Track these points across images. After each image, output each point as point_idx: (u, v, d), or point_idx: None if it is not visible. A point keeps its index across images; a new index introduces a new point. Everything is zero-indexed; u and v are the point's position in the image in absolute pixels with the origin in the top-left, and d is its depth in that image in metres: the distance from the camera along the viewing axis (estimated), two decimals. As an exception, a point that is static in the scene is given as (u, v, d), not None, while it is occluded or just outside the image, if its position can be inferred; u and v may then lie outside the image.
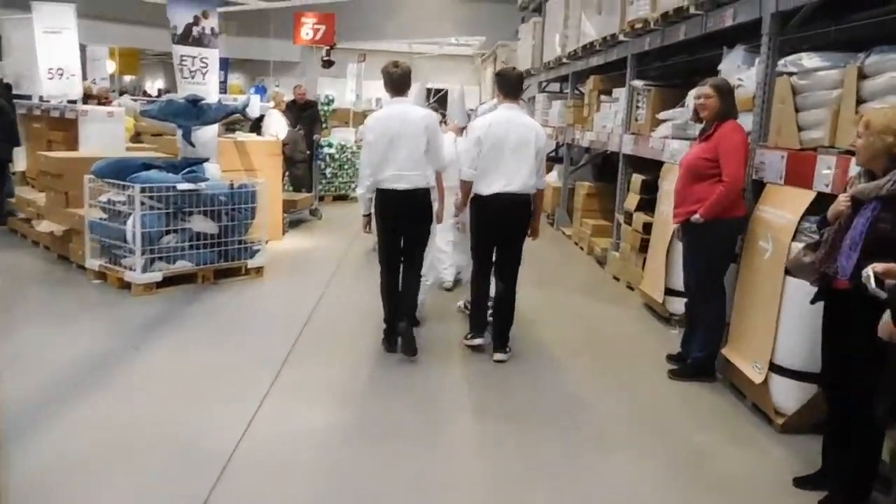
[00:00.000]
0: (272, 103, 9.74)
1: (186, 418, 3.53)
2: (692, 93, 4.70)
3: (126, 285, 5.56)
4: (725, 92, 4.13)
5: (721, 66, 4.97)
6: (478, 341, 4.68)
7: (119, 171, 5.58)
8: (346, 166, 11.23)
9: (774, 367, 3.68)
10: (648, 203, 6.19)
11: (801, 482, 3.12)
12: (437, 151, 4.45)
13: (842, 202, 2.86)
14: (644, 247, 6.07)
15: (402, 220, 4.44)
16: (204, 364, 4.27)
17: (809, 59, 3.83)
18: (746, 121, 4.29)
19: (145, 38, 18.24)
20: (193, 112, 6.02)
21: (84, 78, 9.79)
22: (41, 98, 8.35)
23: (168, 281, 5.64)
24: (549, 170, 9.29)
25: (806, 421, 3.55)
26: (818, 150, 3.66)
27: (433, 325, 5.12)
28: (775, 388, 3.69)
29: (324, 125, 11.13)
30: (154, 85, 26.81)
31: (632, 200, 6.58)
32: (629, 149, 6.75)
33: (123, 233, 5.54)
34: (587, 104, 8.59)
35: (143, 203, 5.42)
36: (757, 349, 3.84)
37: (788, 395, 3.64)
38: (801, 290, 3.32)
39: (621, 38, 6.85)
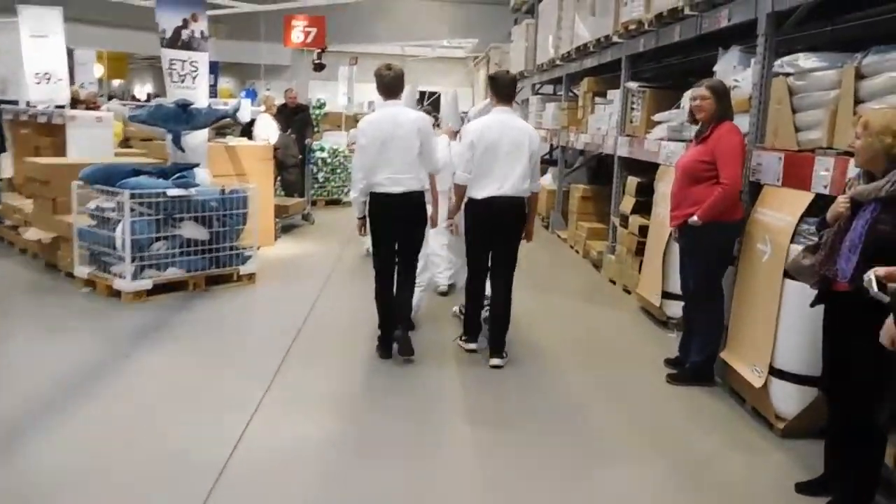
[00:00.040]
0: (263, 107, 9.69)
1: (179, 428, 3.47)
2: (688, 94, 4.66)
3: (116, 293, 5.49)
4: (721, 93, 4.09)
5: (717, 68, 4.94)
6: (472, 346, 4.65)
7: (108, 177, 5.51)
8: (338, 170, 11.17)
9: (774, 371, 3.64)
10: (644, 206, 6.16)
11: (803, 488, 3.08)
12: (431, 154, 4.41)
13: (841, 204, 2.83)
14: (640, 250, 6.03)
15: (397, 223, 4.39)
16: (196, 373, 4.20)
17: (806, 60, 3.81)
18: (743, 122, 4.25)
19: (134, 41, 18.11)
20: (183, 117, 5.96)
21: (72, 82, 9.67)
22: (28, 103, 8.23)
23: (158, 288, 5.57)
24: (543, 172, 9.25)
25: (807, 425, 3.50)
26: (816, 151, 3.62)
27: (428, 329, 5.06)
28: (775, 392, 3.65)
29: (315, 129, 11.07)
30: (143, 89, 26.66)
31: (627, 203, 6.54)
32: (624, 151, 6.71)
33: (112, 240, 5.47)
34: (581, 106, 8.55)
35: (132, 209, 5.34)
36: (756, 353, 3.80)
37: (789, 400, 3.59)
38: (800, 293, 3.29)
39: (615, 39, 6.82)
